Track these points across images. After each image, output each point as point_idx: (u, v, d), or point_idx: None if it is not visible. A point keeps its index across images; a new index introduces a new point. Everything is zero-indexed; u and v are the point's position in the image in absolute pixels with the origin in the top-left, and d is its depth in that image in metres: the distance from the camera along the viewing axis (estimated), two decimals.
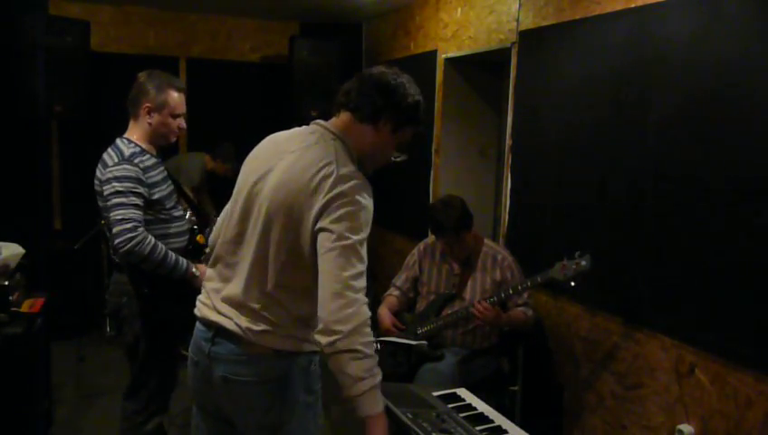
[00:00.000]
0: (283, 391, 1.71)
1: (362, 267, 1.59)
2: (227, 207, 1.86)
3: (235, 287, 1.72)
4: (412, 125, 1.77)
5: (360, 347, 1.53)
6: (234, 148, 4.98)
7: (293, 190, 1.63)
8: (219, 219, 1.90)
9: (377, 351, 3.04)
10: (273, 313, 1.67)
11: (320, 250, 1.59)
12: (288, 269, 1.66)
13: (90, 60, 4.59)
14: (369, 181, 1.68)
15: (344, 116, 1.75)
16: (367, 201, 1.63)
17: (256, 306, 1.68)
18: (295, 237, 1.64)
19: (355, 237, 1.58)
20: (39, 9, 4.42)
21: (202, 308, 1.81)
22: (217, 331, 1.73)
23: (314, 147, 1.68)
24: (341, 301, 1.53)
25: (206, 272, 1.87)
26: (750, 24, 2.26)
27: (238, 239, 1.75)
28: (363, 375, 1.53)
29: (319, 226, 1.59)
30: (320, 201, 1.59)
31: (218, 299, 1.76)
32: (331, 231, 1.57)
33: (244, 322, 1.68)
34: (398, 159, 1.85)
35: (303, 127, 1.79)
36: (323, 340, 1.54)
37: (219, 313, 1.73)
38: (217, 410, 1.81)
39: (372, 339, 1.57)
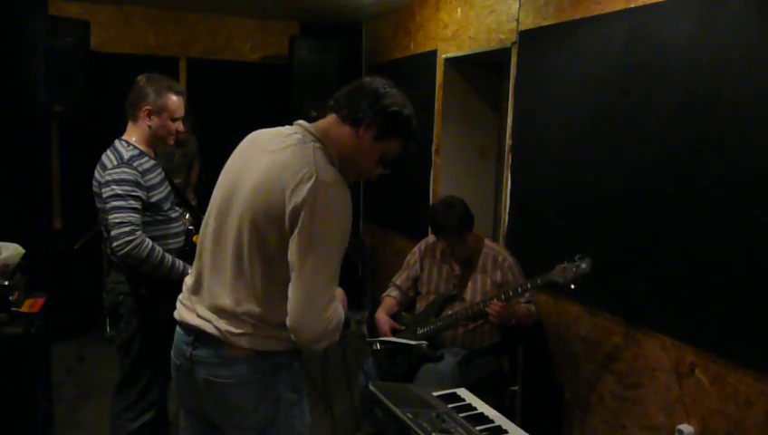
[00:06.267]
0: (266, 391, 1.70)
1: (329, 282, 1.60)
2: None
3: (214, 289, 1.70)
4: (397, 138, 1.72)
5: (325, 343, 1.61)
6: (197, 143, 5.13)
7: (270, 193, 1.59)
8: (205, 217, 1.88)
9: (376, 352, 3.07)
10: (252, 316, 1.65)
11: (290, 259, 1.58)
12: (265, 274, 1.64)
13: (90, 60, 4.59)
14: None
15: (329, 117, 1.73)
16: (344, 211, 1.60)
17: (235, 310, 1.65)
18: (270, 242, 1.61)
19: (328, 251, 1.58)
20: (39, 9, 4.40)
21: (182, 311, 1.78)
22: (198, 335, 1.71)
23: (293, 148, 1.64)
24: (308, 317, 1.57)
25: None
26: (750, 24, 2.26)
27: (216, 238, 1.72)
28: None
29: (293, 235, 1.57)
30: (295, 206, 1.55)
31: (197, 301, 1.74)
32: (302, 244, 1.55)
33: (224, 325, 1.66)
34: (377, 174, 1.79)
35: (286, 127, 1.75)
36: (292, 337, 1.61)
37: (198, 316, 1.71)
38: (201, 413, 1.80)
39: (334, 324, 1.61)
